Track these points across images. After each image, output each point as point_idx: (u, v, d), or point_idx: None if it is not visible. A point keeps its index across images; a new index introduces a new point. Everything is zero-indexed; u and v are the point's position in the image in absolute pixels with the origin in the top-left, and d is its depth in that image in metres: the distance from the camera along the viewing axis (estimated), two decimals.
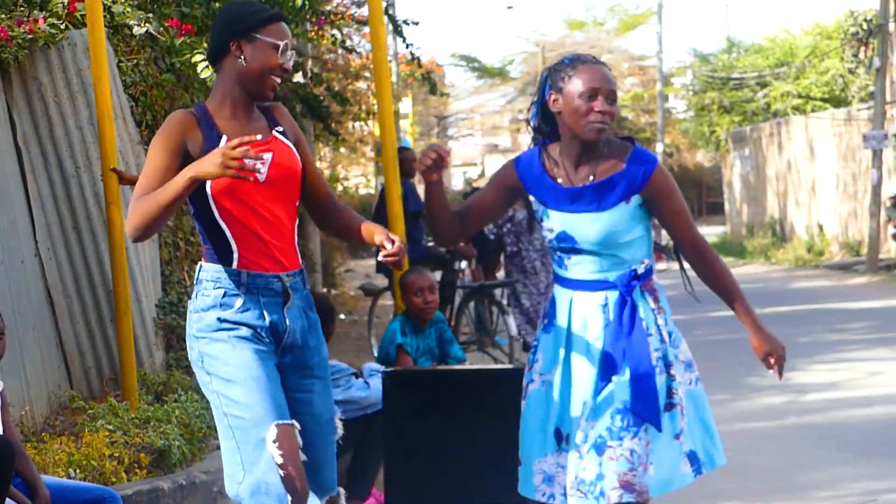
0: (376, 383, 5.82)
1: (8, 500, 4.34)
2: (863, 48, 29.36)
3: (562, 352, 3.83)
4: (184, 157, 3.73)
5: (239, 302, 3.76)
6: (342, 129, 18.42)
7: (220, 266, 3.77)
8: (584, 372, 3.81)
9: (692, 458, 3.83)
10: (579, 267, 3.86)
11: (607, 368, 3.79)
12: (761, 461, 7.33)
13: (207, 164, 3.54)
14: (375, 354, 7.87)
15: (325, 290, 17.17)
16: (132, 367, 6.87)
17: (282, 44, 3.80)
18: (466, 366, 6.75)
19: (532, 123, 3.91)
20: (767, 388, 10.14)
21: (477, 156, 66.34)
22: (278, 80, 3.82)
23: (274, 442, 3.66)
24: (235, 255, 3.77)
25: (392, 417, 5.35)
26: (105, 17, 7.54)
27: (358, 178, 29.91)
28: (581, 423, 3.77)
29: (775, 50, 35.68)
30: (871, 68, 25.75)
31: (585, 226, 3.82)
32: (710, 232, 39.13)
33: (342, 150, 24.27)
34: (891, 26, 24.64)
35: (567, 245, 3.85)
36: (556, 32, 71.53)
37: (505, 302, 11.40)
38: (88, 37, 6.83)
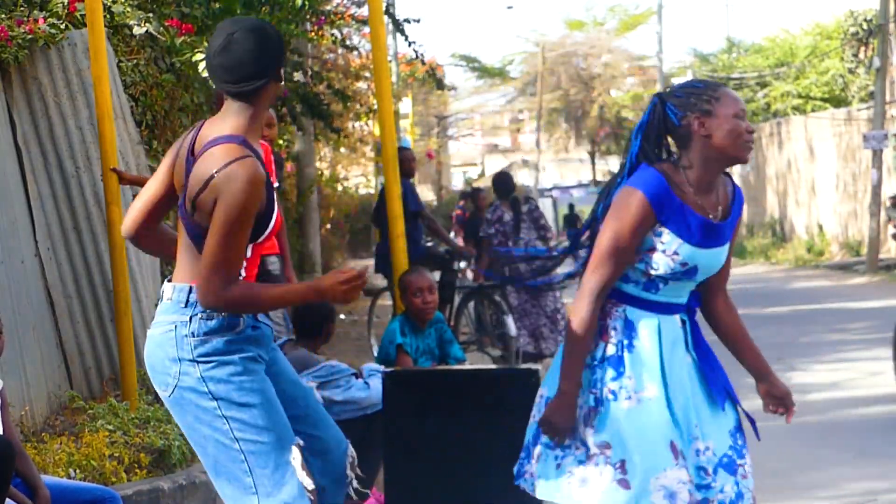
0: (376, 383, 5.82)
1: (8, 500, 4.34)
2: (863, 48, 29.38)
3: (655, 371, 3.73)
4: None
5: (242, 323, 3.73)
6: (342, 127, 18.43)
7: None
8: (683, 390, 3.77)
9: None
10: (672, 292, 3.78)
11: (708, 385, 3.83)
12: (761, 461, 7.32)
13: (331, 291, 3.68)
14: (375, 354, 7.87)
15: None
16: (132, 367, 6.88)
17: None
18: (466, 366, 6.75)
19: (637, 149, 3.76)
20: None
21: (477, 156, 66.33)
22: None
23: (299, 466, 3.71)
24: (241, 277, 3.76)
25: (392, 417, 5.35)
26: (105, 17, 7.54)
27: (358, 178, 29.93)
28: (696, 441, 3.75)
29: (775, 50, 35.69)
30: (871, 68, 25.75)
31: (714, 258, 3.78)
32: None
33: (342, 150, 24.28)
34: (891, 26, 24.64)
35: (684, 275, 3.76)
36: (555, 32, 71.59)
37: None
38: (88, 37, 6.84)
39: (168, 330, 3.71)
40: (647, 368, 3.71)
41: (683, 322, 3.82)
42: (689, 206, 3.69)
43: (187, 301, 3.70)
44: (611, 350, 3.72)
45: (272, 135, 6.93)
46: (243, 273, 3.75)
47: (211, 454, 3.72)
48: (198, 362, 3.68)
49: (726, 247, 3.80)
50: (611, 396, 3.69)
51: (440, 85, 13.43)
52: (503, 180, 12.21)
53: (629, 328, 3.75)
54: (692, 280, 3.79)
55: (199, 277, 3.62)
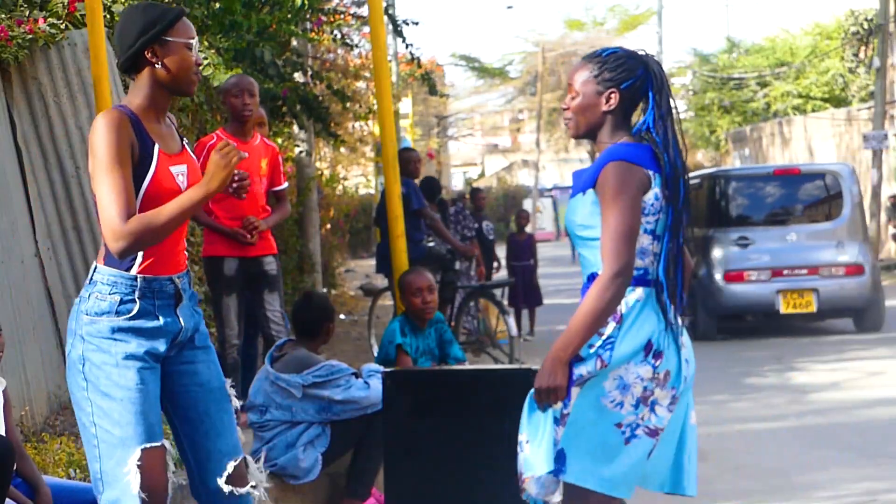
0: (376, 383, 5.82)
1: (8, 500, 4.34)
2: (863, 48, 29.38)
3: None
4: (130, 162, 3.72)
5: (135, 308, 3.77)
6: (342, 129, 18.42)
7: (118, 270, 3.77)
8: None
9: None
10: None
11: None
12: (761, 461, 7.33)
13: (214, 180, 3.65)
14: (375, 354, 7.87)
15: (324, 290, 17.17)
16: None
17: (193, 41, 3.85)
18: (466, 366, 6.75)
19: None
20: (767, 388, 10.15)
21: (477, 156, 66.36)
22: (198, 77, 3.87)
23: (138, 465, 3.71)
24: (138, 260, 3.78)
25: (392, 417, 5.35)
26: (105, 17, 7.53)
27: (358, 178, 29.92)
28: None
29: (775, 50, 35.70)
30: (871, 68, 25.75)
31: (566, 214, 3.82)
32: None
33: (342, 150, 24.29)
34: (891, 26, 24.64)
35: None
36: (555, 32, 71.54)
37: (506, 302, 11.43)
38: (88, 37, 6.83)
39: (76, 302, 3.84)
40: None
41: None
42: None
43: (91, 278, 3.81)
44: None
45: (254, 103, 6.95)
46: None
47: (80, 429, 3.83)
48: (84, 339, 3.78)
49: (575, 199, 3.74)
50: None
51: (433, 90, 13.41)
52: (430, 185, 12.77)
53: None
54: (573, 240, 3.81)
55: (102, 232, 3.69)
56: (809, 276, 13.15)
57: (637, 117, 3.84)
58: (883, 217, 24.21)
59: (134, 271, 3.78)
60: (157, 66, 3.79)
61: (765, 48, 36.84)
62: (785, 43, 35.60)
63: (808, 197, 13.74)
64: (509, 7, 79.67)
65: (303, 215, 15.75)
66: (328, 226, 20.28)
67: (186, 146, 3.97)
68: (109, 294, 3.76)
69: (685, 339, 3.77)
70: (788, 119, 31.42)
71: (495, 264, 15.61)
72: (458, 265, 11.67)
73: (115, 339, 3.76)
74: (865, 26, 28.73)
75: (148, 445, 3.74)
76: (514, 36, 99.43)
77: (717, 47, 47.08)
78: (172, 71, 3.80)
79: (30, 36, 7.25)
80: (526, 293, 14.53)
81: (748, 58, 36.97)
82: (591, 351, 3.63)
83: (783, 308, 13.19)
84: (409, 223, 9.44)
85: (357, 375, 5.96)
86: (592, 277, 3.68)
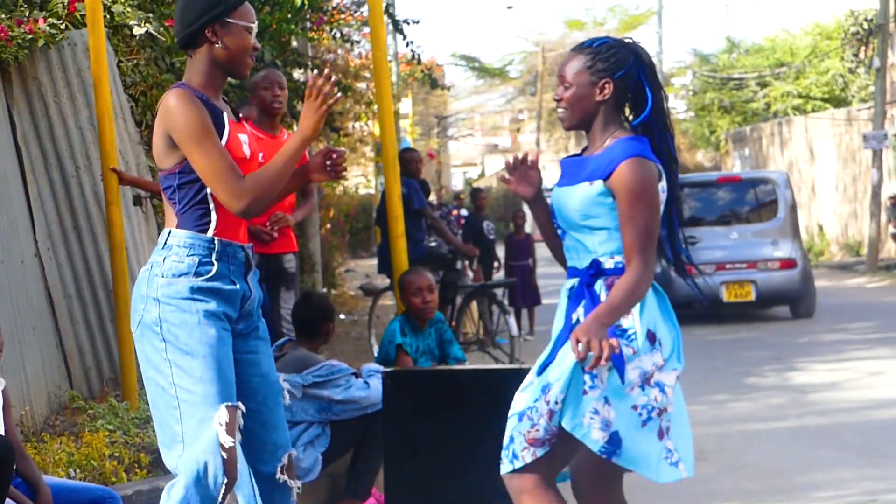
0: (376, 383, 5.82)
1: (9, 500, 4.35)
2: (863, 48, 29.38)
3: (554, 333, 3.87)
4: None
5: (213, 269, 3.84)
6: (342, 126, 18.43)
7: (195, 232, 3.85)
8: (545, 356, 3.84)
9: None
10: (567, 252, 3.88)
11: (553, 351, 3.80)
12: (761, 461, 7.33)
13: (309, 118, 3.82)
14: (375, 354, 7.87)
15: (324, 289, 17.17)
16: (132, 367, 6.87)
17: (253, 25, 3.93)
18: (466, 366, 6.75)
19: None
20: (767, 388, 10.14)
21: (477, 156, 66.37)
22: (253, 60, 3.95)
23: (221, 424, 3.73)
24: (213, 224, 3.87)
25: (392, 417, 5.36)
26: (105, 17, 7.54)
27: (358, 178, 29.94)
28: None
29: (775, 50, 35.69)
30: (871, 68, 25.75)
31: (559, 200, 3.83)
32: None
33: (342, 149, 24.31)
34: (891, 26, 24.64)
35: (557, 223, 3.89)
36: (555, 32, 71.57)
37: (506, 302, 11.43)
38: (88, 37, 6.84)
39: (146, 269, 3.88)
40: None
41: (571, 288, 3.83)
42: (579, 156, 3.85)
43: (165, 243, 3.87)
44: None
45: (283, 96, 6.90)
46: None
47: (152, 396, 3.84)
48: (161, 302, 3.80)
49: (570, 188, 3.77)
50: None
51: (434, 84, 13.43)
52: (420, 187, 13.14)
53: None
54: (565, 232, 3.83)
55: (219, 198, 3.79)
56: (749, 270, 14.83)
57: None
58: (883, 217, 24.21)
59: (210, 233, 3.85)
60: (216, 44, 3.88)
61: (765, 48, 36.83)
62: (785, 43, 35.60)
63: (748, 201, 15.55)
64: (509, 7, 79.64)
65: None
66: (328, 226, 20.28)
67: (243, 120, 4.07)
68: (188, 256, 3.83)
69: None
70: (788, 119, 31.42)
71: (495, 264, 15.62)
72: (458, 265, 11.68)
73: (195, 299, 3.80)
74: (865, 26, 28.73)
75: (231, 404, 3.78)
76: (514, 36, 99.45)
77: (717, 47, 47.14)
78: (232, 51, 3.88)
79: (30, 36, 7.25)
80: (525, 293, 14.54)
81: (748, 58, 36.97)
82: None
83: (726, 297, 14.80)
84: (411, 223, 9.45)
85: (357, 375, 5.96)
86: (596, 263, 3.74)
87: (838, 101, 31.28)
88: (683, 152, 51.20)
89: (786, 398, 9.55)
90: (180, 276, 3.81)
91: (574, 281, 3.82)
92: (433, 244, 11.37)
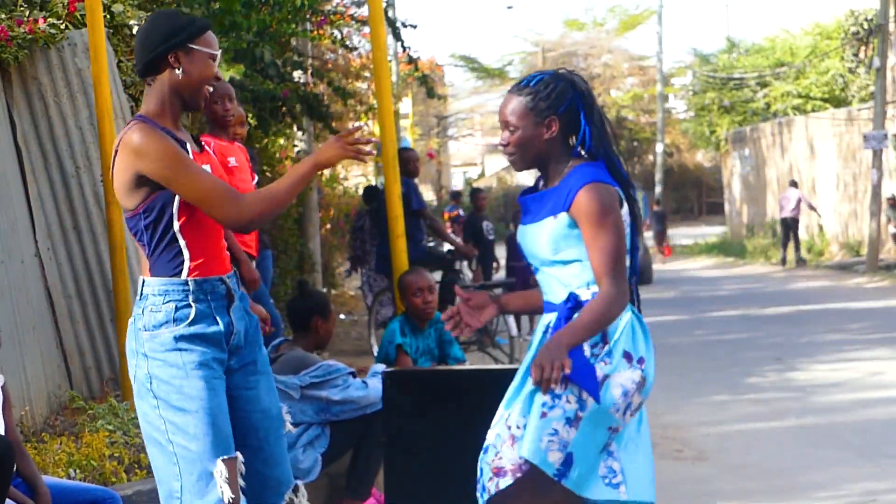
0: (374, 383, 5.81)
1: (8, 500, 4.34)
2: (863, 48, 29.37)
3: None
4: None
5: (192, 313, 3.74)
6: (342, 127, 18.42)
7: (167, 278, 3.75)
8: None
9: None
10: (542, 287, 3.85)
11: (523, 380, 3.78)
12: (761, 461, 7.33)
13: (330, 151, 3.78)
14: (375, 355, 7.87)
15: (324, 289, 17.17)
16: None
17: (217, 53, 3.85)
18: (466, 366, 6.75)
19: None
20: (767, 388, 10.15)
21: (477, 156, 66.35)
22: (209, 92, 3.85)
23: (222, 478, 3.69)
24: (186, 263, 3.76)
25: (392, 417, 5.35)
26: (105, 17, 7.54)
27: (358, 178, 29.93)
28: None
29: (775, 50, 35.69)
30: (871, 68, 25.75)
31: (525, 238, 3.82)
32: (710, 232, 39.14)
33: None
34: (891, 26, 24.64)
35: (526, 260, 3.89)
36: (555, 33, 71.51)
37: None
38: (88, 37, 6.84)
39: (131, 322, 3.82)
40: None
41: (549, 323, 3.78)
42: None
43: (141, 293, 3.79)
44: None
45: (243, 133, 6.88)
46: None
47: (152, 453, 3.79)
48: (148, 357, 3.73)
49: (534, 226, 3.75)
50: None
51: (430, 93, 13.42)
52: (370, 193, 13.91)
53: None
54: (536, 269, 3.81)
55: (218, 218, 3.73)
56: None
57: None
58: (883, 217, 24.21)
59: (183, 276, 3.75)
60: (177, 70, 3.78)
61: (765, 48, 36.83)
62: (785, 43, 35.60)
63: None
64: (509, 7, 79.58)
65: (303, 215, 15.75)
66: (328, 226, 20.28)
67: (205, 147, 4.02)
68: (163, 304, 3.73)
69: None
70: (788, 119, 31.42)
71: (494, 265, 15.63)
72: (457, 265, 11.68)
73: (180, 350, 3.72)
74: (865, 26, 28.71)
75: (226, 457, 3.72)
76: (514, 36, 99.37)
77: (717, 47, 47.07)
78: (192, 78, 3.78)
79: (30, 36, 7.25)
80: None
81: (748, 58, 36.96)
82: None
83: None
84: (410, 223, 9.44)
85: (355, 375, 5.96)
86: (573, 297, 3.69)
87: (838, 101, 31.27)
88: (683, 152, 51.25)
89: (786, 398, 9.56)
90: (160, 326, 3.73)
91: (552, 316, 3.77)
92: (431, 244, 11.38)
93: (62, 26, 7.53)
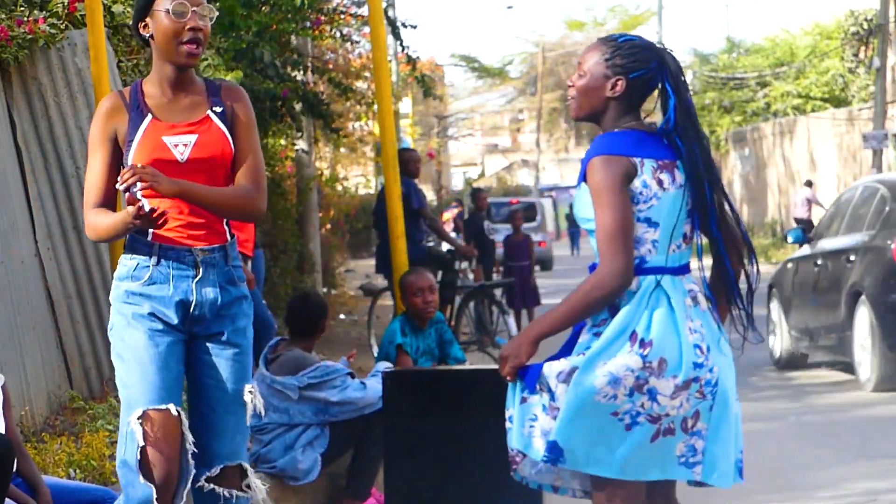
0: (373, 384, 5.81)
1: (8, 500, 4.34)
2: (863, 48, 29.38)
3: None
4: (116, 145, 3.84)
5: (147, 274, 3.80)
6: (342, 126, 18.44)
7: (139, 235, 3.81)
8: None
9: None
10: None
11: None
12: (761, 461, 7.33)
13: (128, 216, 3.65)
14: (375, 355, 7.87)
15: (324, 290, 17.17)
16: None
17: (171, 6, 3.78)
18: (466, 366, 6.75)
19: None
20: (767, 388, 10.15)
21: (477, 156, 66.37)
22: (193, 45, 3.79)
23: (139, 422, 3.70)
24: (151, 230, 3.79)
25: (392, 417, 5.35)
26: (105, 17, 7.53)
27: (358, 177, 29.94)
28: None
29: (775, 50, 35.70)
30: (871, 68, 25.75)
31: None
32: None
33: (342, 149, 24.28)
34: (891, 26, 24.64)
35: None
36: (555, 33, 71.56)
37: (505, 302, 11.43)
38: (88, 37, 6.83)
39: None
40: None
41: None
42: None
43: (125, 245, 3.92)
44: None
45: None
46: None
47: None
48: (111, 304, 3.88)
49: (577, 191, 3.71)
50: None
51: (427, 92, 13.42)
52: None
53: None
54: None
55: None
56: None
57: (650, 104, 3.75)
58: None
59: (149, 237, 3.81)
60: (151, 38, 3.84)
61: (765, 48, 36.84)
62: (785, 43, 35.61)
63: (524, 211, 24.31)
64: (509, 7, 79.72)
65: (303, 215, 15.76)
66: (328, 226, 20.29)
67: (213, 115, 3.86)
68: (129, 259, 3.83)
69: (704, 323, 3.70)
70: (789, 119, 31.42)
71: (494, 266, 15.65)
72: (457, 265, 11.69)
73: (128, 303, 3.81)
74: (865, 26, 28.71)
75: (151, 408, 3.71)
76: (514, 36, 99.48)
77: (717, 47, 47.12)
78: (158, 41, 3.82)
79: (30, 36, 7.24)
80: (524, 293, 14.54)
81: (748, 58, 36.98)
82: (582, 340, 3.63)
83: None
84: (410, 223, 9.44)
85: (353, 376, 5.96)
86: (592, 268, 3.63)
87: (838, 101, 31.28)
88: None
89: (786, 398, 9.55)
90: (122, 279, 3.83)
91: None
92: (431, 244, 11.38)
93: (62, 26, 7.53)
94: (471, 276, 14.54)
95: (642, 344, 3.56)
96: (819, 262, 10.91)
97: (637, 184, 3.58)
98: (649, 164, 3.61)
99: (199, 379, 3.90)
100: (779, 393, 9.79)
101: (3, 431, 4.56)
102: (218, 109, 3.87)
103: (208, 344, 3.89)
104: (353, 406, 5.83)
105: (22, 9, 7.58)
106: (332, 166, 24.36)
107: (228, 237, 3.90)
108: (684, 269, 3.72)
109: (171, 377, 3.79)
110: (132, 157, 3.77)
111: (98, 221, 3.78)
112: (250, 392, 3.93)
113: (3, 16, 7.37)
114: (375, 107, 11.24)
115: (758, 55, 36.49)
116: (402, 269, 7.22)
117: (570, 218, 38.33)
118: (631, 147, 3.61)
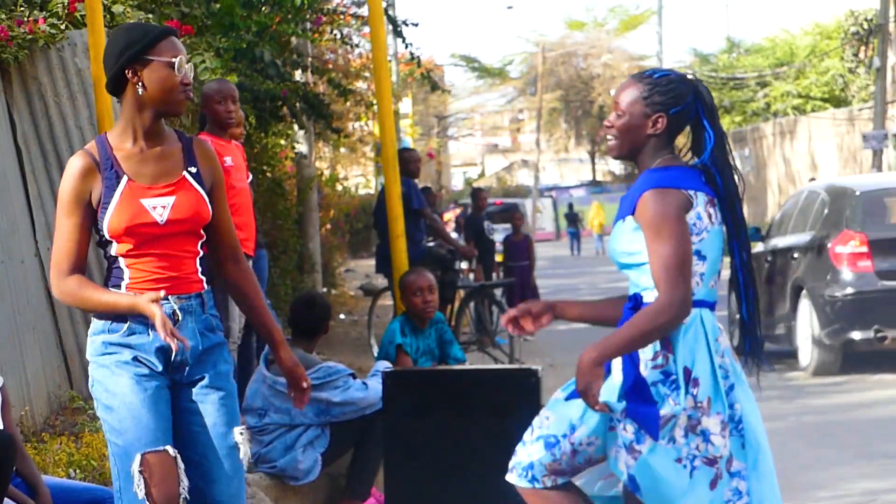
0: (374, 384, 5.82)
1: (7, 500, 4.34)
2: (863, 48, 29.39)
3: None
4: (89, 207, 3.74)
5: (125, 326, 3.73)
6: (342, 125, 18.44)
7: (112, 288, 3.75)
8: None
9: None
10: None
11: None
12: None
13: (146, 308, 3.62)
14: (375, 355, 7.87)
15: (324, 289, 17.17)
16: None
17: (176, 60, 3.72)
18: (466, 366, 6.76)
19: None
20: (767, 388, 10.11)
21: (477, 156, 66.39)
22: (187, 96, 3.75)
23: (140, 472, 3.65)
24: (125, 283, 3.74)
25: (392, 417, 5.36)
26: (105, 17, 7.53)
27: (358, 178, 29.94)
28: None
29: (775, 50, 35.72)
30: (871, 68, 25.75)
31: (611, 239, 3.81)
32: None
33: (342, 149, 24.29)
34: (891, 26, 24.64)
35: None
36: (555, 32, 71.59)
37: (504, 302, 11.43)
38: (88, 37, 6.83)
39: None
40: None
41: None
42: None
43: None
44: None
45: (239, 133, 6.85)
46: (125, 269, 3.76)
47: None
48: (90, 362, 3.79)
49: (619, 224, 3.71)
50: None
51: (434, 86, 13.43)
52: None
53: None
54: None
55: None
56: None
57: (682, 140, 3.77)
58: None
59: (123, 288, 3.73)
60: (137, 85, 3.70)
61: (765, 48, 36.85)
62: (785, 43, 35.62)
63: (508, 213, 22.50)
64: (509, 7, 79.76)
65: (303, 215, 15.75)
66: (328, 226, 20.29)
67: (189, 176, 3.81)
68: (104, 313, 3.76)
69: (729, 360, 3.71)
70: (789, 119, 31.43)
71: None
72: (457, 265, 11.69)
73: (108, 353, 3.73)
74: (865, 26, 28.72)
75: (148, 450, 3.65)
76: (515, 36, 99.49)
77: (717, 47, 47.15)
78: (153, 90, 3.70)
79: (30, 36, 7.24)
80: (524, 293, 14.54)
81: (748, 58, 36.99)
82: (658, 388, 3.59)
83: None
84: (410, 223, 9.45)
85: (355, 376, 5.97)
86: (636, 297, 3.64)
87: (838, 101, 31.29)
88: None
89: (786, 398, 9.56)
90: (98, 333, 3.76)
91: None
92: (431, 244, 11.38)
93: (62, 26, 7.53)
94: (471, 276, 14.55)
95: (693, 382, 3.58)
96: (769, 258, 12.17)
97: (692, 215, 3.60)
98: (702, 198, 3.64)
99: (186, 427, 3.81)
100: (778, 393, 9.78)
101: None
102: (193, 170, 3.82)
103: (192, 390, 3.83)
104: (355, 406, 5.83)
105: (22, 9, 7.58)
106: (332, 166, 24.37)
107: (205, 286, 3.85)
108: (715, 304, 3.73)
109: (162, 419, 3.73)
110: (108, 219, 3.70)
111: (86, 295, 3.72)
112: (241, 434, 3.88)
113: (3, 16, 7.38)
114: (375, 107, 11.24)
115: (758, 55, 36.50)
116: (402, 269, 7.22)
117: (570, 218, 38.37)
118: (683, 180, 3.63)
